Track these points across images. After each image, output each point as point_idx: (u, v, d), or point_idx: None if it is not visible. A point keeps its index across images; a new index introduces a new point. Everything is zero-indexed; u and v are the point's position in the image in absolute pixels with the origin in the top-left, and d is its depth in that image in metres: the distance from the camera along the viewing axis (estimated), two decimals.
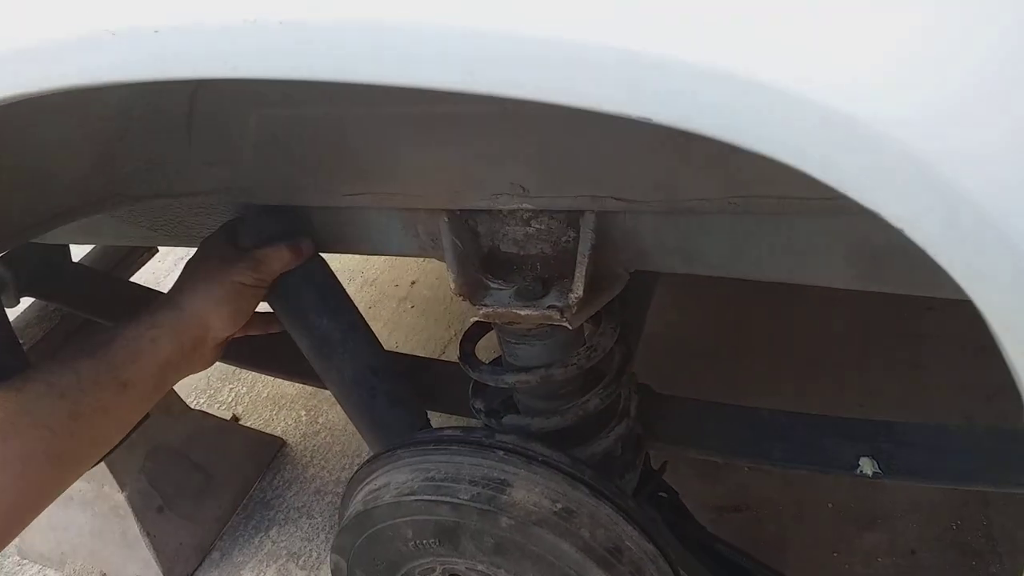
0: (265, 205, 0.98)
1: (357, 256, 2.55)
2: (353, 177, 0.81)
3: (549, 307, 0.81)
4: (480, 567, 0.87)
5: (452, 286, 0.84)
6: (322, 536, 1.80)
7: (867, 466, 1.02)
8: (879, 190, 0.32)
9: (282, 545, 1.79)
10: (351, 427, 2.05)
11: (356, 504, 0.90)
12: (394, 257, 2.51)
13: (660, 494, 1.12)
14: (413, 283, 2.48)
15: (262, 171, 0.87)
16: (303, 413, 2.14)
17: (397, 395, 1.04)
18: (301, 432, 2.08)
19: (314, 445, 2.04)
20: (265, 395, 2.23)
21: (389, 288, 2.50)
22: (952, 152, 0.31)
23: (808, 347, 1.89)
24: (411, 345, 2.27)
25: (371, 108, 0.74)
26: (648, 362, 1.80)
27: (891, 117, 0.31)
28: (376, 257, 2.59)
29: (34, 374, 0.79)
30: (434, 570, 0.89)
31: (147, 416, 1.35)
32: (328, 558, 1.70)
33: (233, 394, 2.22)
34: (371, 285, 2.51)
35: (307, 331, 1.02)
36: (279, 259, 0.94)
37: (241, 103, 0.83)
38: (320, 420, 2.10)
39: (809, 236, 0.73)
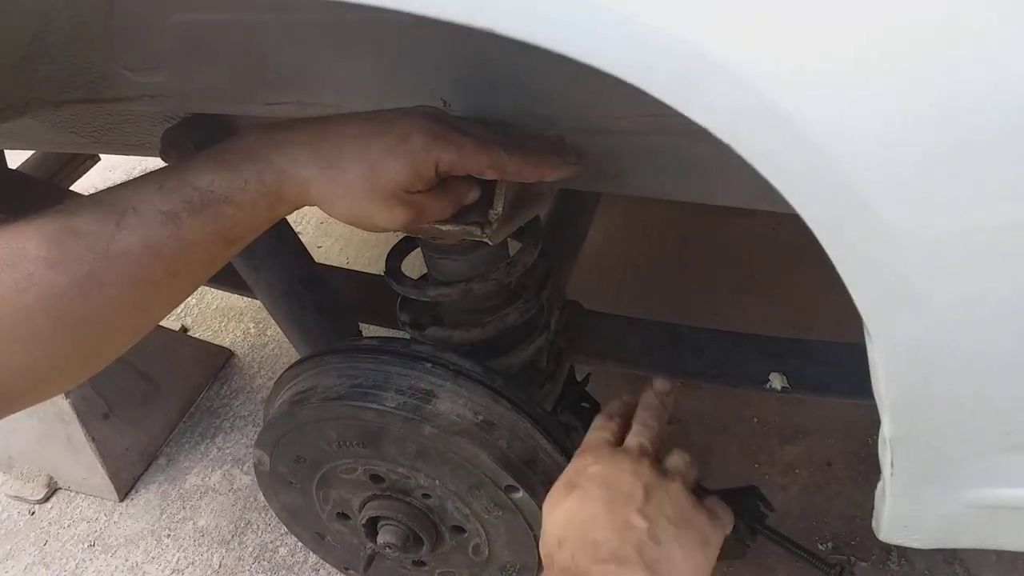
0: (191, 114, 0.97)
1: None
2: (272, 85, 0.81)
3: (471, 223, 0.83)
4: (400, 470, 0.91)
5: None
6: None
7: (776, 381, 1.07)
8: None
9: (227, 452, 1.83)
10: None
11: (282, 403, 0.93)
12: None
13: (583, 404, 1.16)
14: None
15: (183, 78, 0.86)
16: (251, 325, 2.15)
17: (325, 305, 1.06)
18: (249, 344, 2.10)
19: (262, 356, 2.06)
20: (215, 307, 2.24)
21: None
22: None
23: (748, 267, 1.94)
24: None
25: (282, 15, 0.74)
26: (591, 281, 1.84)
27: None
28: None
29: None
30: (355, 469, 0.93)
31: None
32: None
33: (183, 306, 2.22)
34: None
35: None
36: None
37: (159, 8, 0.81)
38: (268, 332, 2.12)
39: (712, 157, 0.74)
